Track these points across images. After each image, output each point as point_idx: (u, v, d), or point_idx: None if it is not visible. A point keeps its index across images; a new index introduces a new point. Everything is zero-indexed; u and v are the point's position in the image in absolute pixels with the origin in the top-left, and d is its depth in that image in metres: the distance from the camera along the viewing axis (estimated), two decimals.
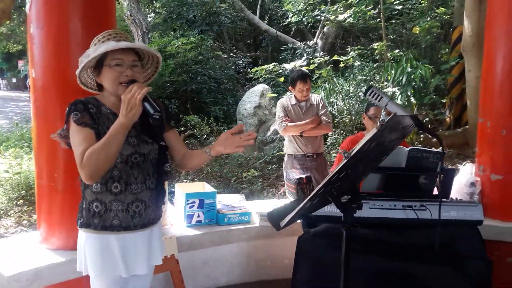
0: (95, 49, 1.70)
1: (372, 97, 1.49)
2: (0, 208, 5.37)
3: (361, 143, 1.04)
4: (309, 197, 1.10)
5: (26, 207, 5.50)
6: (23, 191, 5.62)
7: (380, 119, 1.12)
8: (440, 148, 2.15)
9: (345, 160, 1.02)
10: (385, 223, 2.38)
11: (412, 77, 5.79)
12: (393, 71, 5.99)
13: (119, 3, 11.59)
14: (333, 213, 2.25)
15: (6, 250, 2.55)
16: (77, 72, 1.75)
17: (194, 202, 2.93)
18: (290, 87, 3.81)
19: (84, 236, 1.76)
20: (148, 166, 1.79)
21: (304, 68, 5.49)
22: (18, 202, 5.50)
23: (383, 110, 1.46)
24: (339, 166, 1.05)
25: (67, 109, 1.70)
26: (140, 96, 1.57)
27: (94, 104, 1.73)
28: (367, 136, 1.04)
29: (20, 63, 30.18)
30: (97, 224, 1.73)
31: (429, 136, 4.97)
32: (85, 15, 2.38)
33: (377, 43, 7.01)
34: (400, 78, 5.83)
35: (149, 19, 12.89)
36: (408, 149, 2.44)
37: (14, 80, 32.69)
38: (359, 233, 2.26)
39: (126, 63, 1.72)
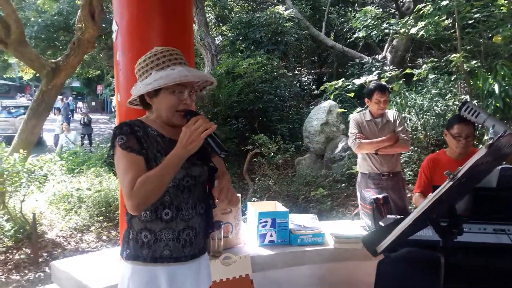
0: (164, 74, 1.58)
1: (468, 112, 1.36)
2: (83, 224, 5.74)
3: (468, 164, 0.95)
4: (411, 221, 1.02)
5: (105, 223, 5.83)
6: (103, 208, 5.96)
7: (489, 137, 1.02)
8: None
9: (451, 182, 0.93)
10: (473, 247, 2.19)
11: (505, 88, 5.28)
12: (480, 83, 5.52)
13: None
14: (418, 237, 2.11)
15: (92, 264, 2.69)
16: (135, 93, 1.64)
17: (267, 222, 2.91)
18: (366, 99, 3.65)
19: (129, 269, 1.63)
20: (199, 189, 1.70)
21: None
22: (99, 219, 5.84)
23: (489, 128, 1.33)
24: (444, 188, 0.96)
25: (112, 133, 1.62)
26: (207, 132, 1.50)
27: (140, 127, 1.63)
28: (475, 156, 0.94)
29: (99, 88, 32.53)
30: (146, 256, 1.62)
31: None
32: (165, 42, 2.48)
33: (453, 55, 6.61)
34: (490, 90, 5.33)
35: (216, 42, 13.33)
36: (500, 167, 2.24)
37: (93, 103, 35.25)
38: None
39: (188, 90, 1.64)
